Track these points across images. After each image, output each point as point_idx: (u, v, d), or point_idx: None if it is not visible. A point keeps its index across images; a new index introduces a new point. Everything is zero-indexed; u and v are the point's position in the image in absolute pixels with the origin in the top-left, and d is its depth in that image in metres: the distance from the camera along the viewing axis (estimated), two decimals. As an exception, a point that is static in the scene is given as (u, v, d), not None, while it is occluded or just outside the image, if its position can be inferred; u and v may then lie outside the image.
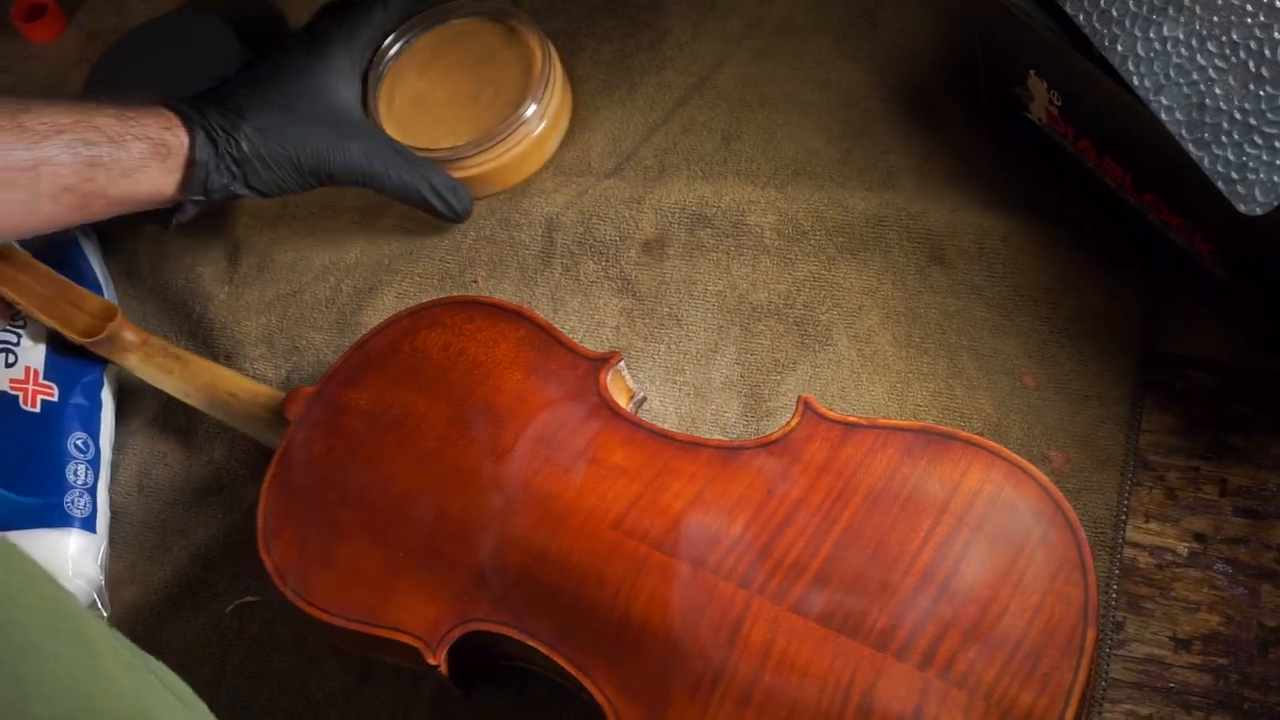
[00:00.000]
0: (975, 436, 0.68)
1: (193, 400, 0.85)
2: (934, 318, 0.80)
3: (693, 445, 0.71)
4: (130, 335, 0.85)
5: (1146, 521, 0.73)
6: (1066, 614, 0.63)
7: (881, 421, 0.70)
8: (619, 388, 0.77)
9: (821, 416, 0.70)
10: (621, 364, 0.76)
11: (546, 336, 0.76)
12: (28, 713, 0.43)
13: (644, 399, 0.81)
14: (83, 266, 0.90)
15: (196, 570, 0.82)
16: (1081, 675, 0.61)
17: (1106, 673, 0.69)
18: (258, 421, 0.82)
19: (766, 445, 0.70)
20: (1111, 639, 0.70)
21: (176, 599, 0.82)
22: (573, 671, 0.66)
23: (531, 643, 0.67)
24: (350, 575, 0.71)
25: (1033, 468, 0.67)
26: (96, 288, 0.90)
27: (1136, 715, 0.68)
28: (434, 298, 0.82)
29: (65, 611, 0.49)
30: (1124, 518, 0.73)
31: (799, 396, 0.72)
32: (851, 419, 0.70)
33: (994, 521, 0.65)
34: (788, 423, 0.71)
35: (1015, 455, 0.67)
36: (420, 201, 0.87)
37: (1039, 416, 0.76)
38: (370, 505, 0.73)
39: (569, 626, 0.67)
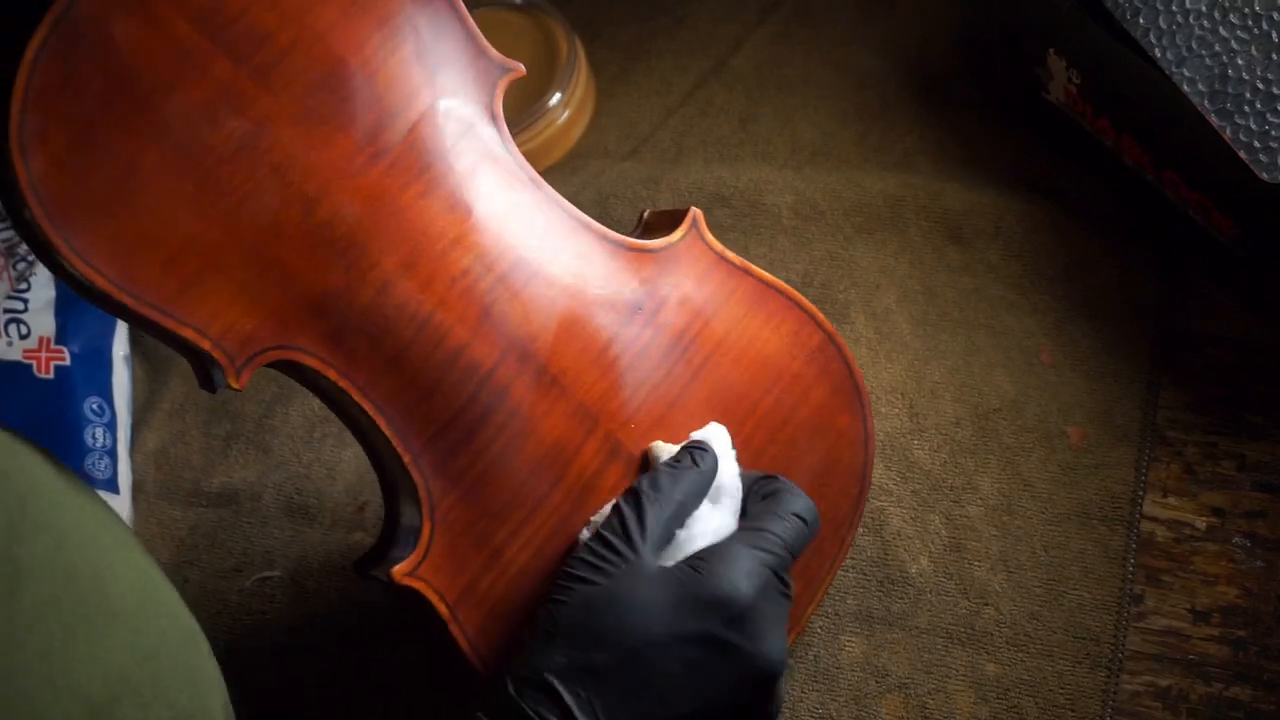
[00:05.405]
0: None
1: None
2: (951, 296, 0.81)
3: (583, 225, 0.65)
4: None
5: (1164, 496, 0.73)
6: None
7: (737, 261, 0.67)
8: None
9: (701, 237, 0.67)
10: None
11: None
12: (108, 597, 0.50)
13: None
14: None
15: (214, 545, 0.82)
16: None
17: (1125, 644, 0.70)
18: None
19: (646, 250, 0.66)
20: (1130, 611, 0.70)
21: (194, 572, 0.82)
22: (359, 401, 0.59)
23: (357, 398, 0.59)
24: (142, 240, 0.54)
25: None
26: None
27: (1156, 686, 0.68)
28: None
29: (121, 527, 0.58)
30: (1142, 493, 0.73)
31: (690, 208, 0.68)
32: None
33: None
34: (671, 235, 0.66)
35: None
36: None
37: (1056, 393, 0.77)
38: (195, 155, 0.54)
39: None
